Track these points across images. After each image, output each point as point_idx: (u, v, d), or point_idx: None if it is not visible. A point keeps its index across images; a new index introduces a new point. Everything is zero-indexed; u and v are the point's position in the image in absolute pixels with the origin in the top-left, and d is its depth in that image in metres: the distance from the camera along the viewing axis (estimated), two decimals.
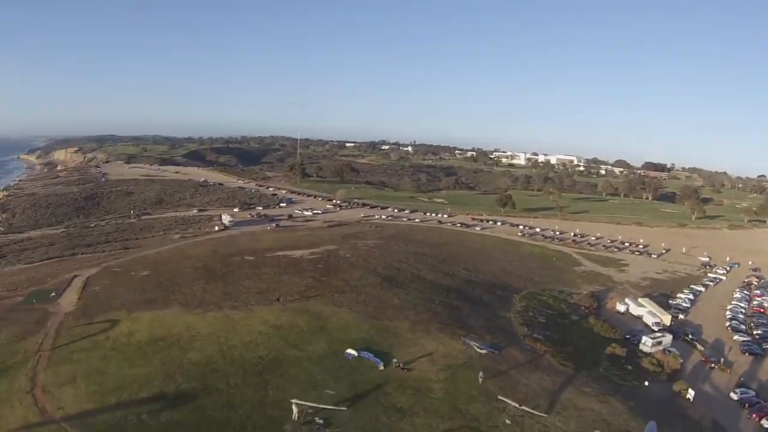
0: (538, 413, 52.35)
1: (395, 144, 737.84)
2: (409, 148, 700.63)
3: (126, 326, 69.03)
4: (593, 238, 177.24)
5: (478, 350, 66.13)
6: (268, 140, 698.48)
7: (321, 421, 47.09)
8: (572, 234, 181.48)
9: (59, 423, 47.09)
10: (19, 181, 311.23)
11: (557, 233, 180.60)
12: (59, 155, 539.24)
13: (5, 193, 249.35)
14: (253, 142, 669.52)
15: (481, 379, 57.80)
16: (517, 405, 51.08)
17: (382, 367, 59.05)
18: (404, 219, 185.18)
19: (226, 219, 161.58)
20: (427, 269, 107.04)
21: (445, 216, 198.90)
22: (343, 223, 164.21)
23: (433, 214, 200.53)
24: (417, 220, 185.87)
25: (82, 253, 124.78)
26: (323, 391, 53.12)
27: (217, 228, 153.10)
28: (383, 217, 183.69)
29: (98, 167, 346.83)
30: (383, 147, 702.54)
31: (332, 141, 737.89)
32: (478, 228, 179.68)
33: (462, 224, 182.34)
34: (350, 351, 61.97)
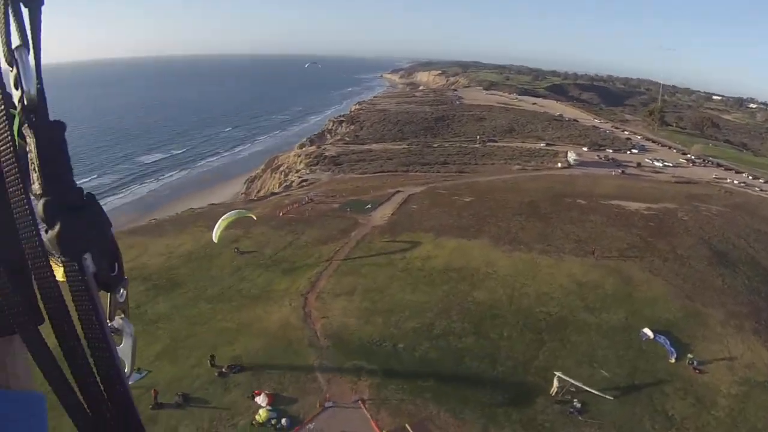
0: None
1: (764, 104, 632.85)
2: None
3: (426, 250, 70.71)
4: None
5: None
6: (635, 82, 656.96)
7: (578, 405, 42.11)
8: None
9: (315, 332, 50.33)
10: (374, 96, 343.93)
11: None
12: (422, 76, 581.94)
13: (357, 106, 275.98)
14: (619, 83, 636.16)
15: None
16: None
17: (673, 360, 50.23)
18: (756, 188, 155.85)
19: (571, 157, 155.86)
20: (765, 252, 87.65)
21: None
22: (692, 182, 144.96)
23: None
24: None
25: (416, 171, 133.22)
26: (598, 371, 47.08)
27: (560, 165, 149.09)
28: (735, 182, 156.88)
29: (455, 90, 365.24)
30: (751, 105, 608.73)
31: (699, 91, 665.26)
32: None
33: None
34: (647, 331, 53.79)
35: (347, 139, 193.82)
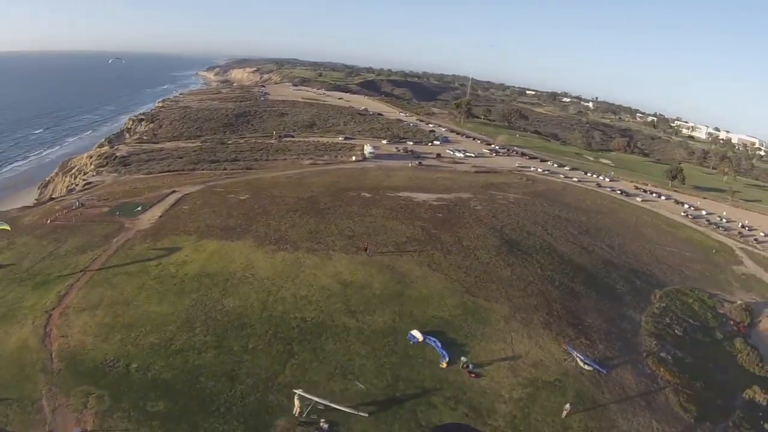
0: None
1: (576, 98, 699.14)
2: (590, 104, 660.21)
3: (184, 255, 64.94)
4: (762, 234, 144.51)
5: (581, 364, 50.64)
6: (449, 78, 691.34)
7: (326, 426, 37.50)
8: (740, 225, 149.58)
9: (51, 354, 44.36)
10: (180, 94, 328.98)
11: (723, 221, 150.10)
12: (236, 74, 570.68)
13: (160, 104, 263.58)
14: (434, 79, 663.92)
15: (565, 413, 43.00)
16: None
17: (444, 364, 46.69)
18: (561, 176, 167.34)
19: (367, 150, 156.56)
20: (564, 239, 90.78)
21: (607, 179, 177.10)
22: (492, 171, 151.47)
23: (594, 176, 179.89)
24: (575, 179, 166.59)
25: (202, 169, 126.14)
26: (353, 383, 43.09)
27: (354, 158, 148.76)
28: (539, 170, 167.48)
29: (263, 87, 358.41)
30: (564, 99, 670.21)
31: (513, 87, 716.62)
32: (638, 199, 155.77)
33: (622, 191, 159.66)
34: (415, 333, 50.46)
35: (144, 138, 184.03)
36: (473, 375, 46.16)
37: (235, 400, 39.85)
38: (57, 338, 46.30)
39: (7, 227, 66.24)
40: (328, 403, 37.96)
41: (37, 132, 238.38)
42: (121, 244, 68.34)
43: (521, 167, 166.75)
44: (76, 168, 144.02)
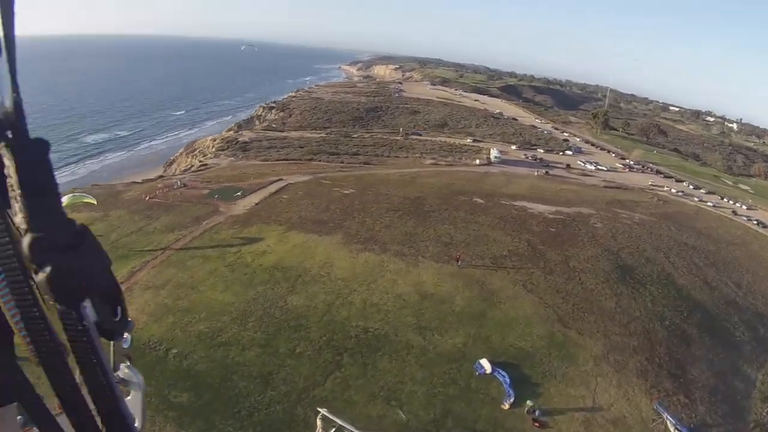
0: None
1: (721, 118, 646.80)
2: (734, 126, 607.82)
3: (266, 245, 61.65)
4: None
5: (671, 429, 40.99)
6: (592, 88, 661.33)
7: None
8: None
9: None
10: (315, 85, 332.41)
11: None
12: (378, 70, 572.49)
13: (293, 94, 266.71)
14: (576, 88, 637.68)
15: None
16: None
17: (507, 405, 39.07)
18: (695, 198, 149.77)
19: (493, 154, 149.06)
20: (686, 269, 77.95)
21: (744, 207, 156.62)
22: (623, 187, 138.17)
23: (731, 202, 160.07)
24: (709, 203, 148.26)
25: (319, 160, 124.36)
26: (394, 411, 37.12)
27: (478, 161, 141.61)
28: (673, 190, 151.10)
29: (399, 83, 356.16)
30: (708, 118, 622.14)
31: (657, 101, 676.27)
32: None
33: (759, 222, 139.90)
34: (483, 363, 43.18)
35: (273, 125, 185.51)
36: (537, 424, 38.48)
37: (261, 406, 35.85)
38: None
39: (93, 201, 66.25)
40: (354, 430, 32.56)
41: (177, 113, 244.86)
42: (209, 227, 66.50)
43: (654, 186, 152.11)
44: (198, 150, 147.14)
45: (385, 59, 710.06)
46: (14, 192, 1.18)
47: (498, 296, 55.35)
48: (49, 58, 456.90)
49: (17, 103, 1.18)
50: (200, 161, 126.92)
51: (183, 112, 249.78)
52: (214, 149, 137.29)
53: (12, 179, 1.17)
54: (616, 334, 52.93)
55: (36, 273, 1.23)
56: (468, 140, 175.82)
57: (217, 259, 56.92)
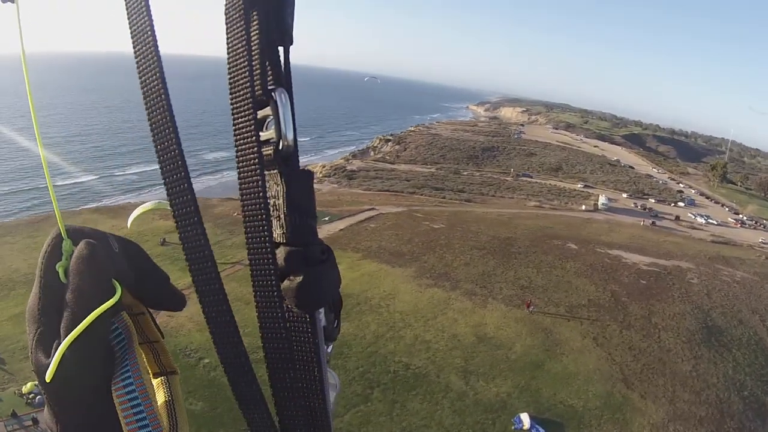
0: None
1: None
2: None
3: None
4: None
5: None
6: (717, 141, 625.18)
7: None
8: None
9: None
10: (437, 122, 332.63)
11: None
12: (505, 112, 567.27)
13: (413, 128, 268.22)
14: (701, 140, 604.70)
15: None
16: None
17: None
18: None
19: (601, 200, 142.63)
20: None
21: None
22: (730, 243, 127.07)
23: None
24: None
25: (422, 194, 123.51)
26: None
27: (584, 207, 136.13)
28: None
29: (522, 125, 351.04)
30: None
31: None
32: None
33: None
34: (523, 417, 39.78)
35: (387, 158, 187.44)
36: None
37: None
38: (165, 315, 44.74)
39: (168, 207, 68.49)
40: None
41: (301, 139, 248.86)
42: None
43: (764, 243, 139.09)
44: None
45: (513, 101, 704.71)
46: (276, 212, 1.32)
47: (562, 347, 51.69)
48: (182, 77, 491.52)
49: (295, 139, 1.33)
50: None
51: (308, 138, 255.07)
52: (321, 174, 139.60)
53: (279, 201, 1.31)
54: (683, 401, 47.52)
55: (284, 280, 1.37)
56: (579, 185, 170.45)
57: None
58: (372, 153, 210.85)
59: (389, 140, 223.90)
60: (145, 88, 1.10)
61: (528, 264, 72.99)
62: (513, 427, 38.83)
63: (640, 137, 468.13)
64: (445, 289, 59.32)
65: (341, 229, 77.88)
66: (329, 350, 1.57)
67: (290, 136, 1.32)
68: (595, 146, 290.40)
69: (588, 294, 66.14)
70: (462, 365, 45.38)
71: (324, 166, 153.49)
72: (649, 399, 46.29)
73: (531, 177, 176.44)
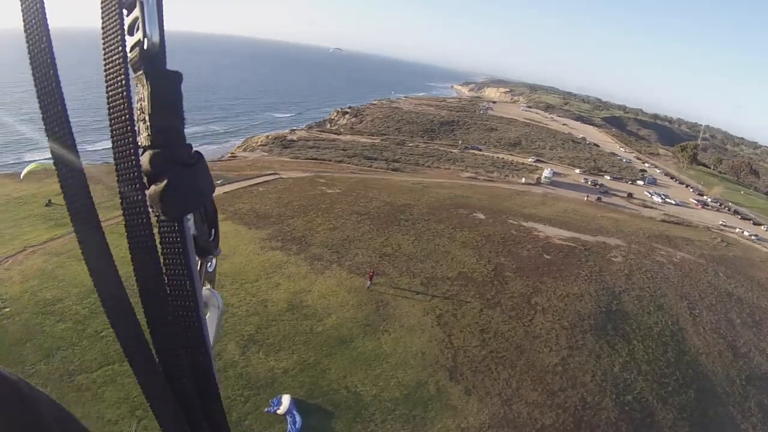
0: None
1: None
2: None
3: None
4: None
5: None
6: (702, 128, 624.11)
7: None
8: None
9: None
10: (404, 96, 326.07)
11: None
12: (489, 92, 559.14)
13: (375, 102, 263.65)
14: (685, 126, 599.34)
15: None
16: None
17: None
18: None
19: (544, 174, 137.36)
20: (710, 327, 54.26)
21: None
22: (684, 223, 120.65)
23: None
24: None
25: (348, 163, 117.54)
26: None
27: (523, 180, 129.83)
28: (746, 233, 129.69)
29: (493, 102, 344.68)
30: None
31: (765, 146, 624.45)
32: None
33: None
34: (285, 398, 32.12)
35: (342, 130, 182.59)
36: None
37: None
38: None
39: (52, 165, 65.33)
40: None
41: (283, 115, 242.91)
42: None
43: (724, 226, 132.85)
44: (250, 145, 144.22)
45: (498, 82, 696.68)
46: (142, 115, 1.26)
47: (390, 323, 43.85)
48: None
49: (162, 39, 1.25)
50: (231, 153, 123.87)
51: (290, 114, 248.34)
52: (259, 144, 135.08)
53: (144, 103, 1.25)
54: (526, 403, 37.36)
55: (148, 187, 1.32)
56: (530, 159, 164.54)
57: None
58: (329, 125, 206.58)
59: (347, 113, 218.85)
60: (30, 43, 1.10)
61: (408, 231, 66.75)
62: (266, 409, 31.75)
63: (621, 120, 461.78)
64: (288, 253, 53.28)
65: (225, 192, 71.49)
66: (210, 267, 1.57)
67: (155, 35, 1.23)
68: (563, 124, 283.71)
69: (463, 266, 58.91)
70: (250, 333, 38.91)
71: (268, 137, 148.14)
72: (476, 396, 36.97)
73: (480, 149, 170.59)
